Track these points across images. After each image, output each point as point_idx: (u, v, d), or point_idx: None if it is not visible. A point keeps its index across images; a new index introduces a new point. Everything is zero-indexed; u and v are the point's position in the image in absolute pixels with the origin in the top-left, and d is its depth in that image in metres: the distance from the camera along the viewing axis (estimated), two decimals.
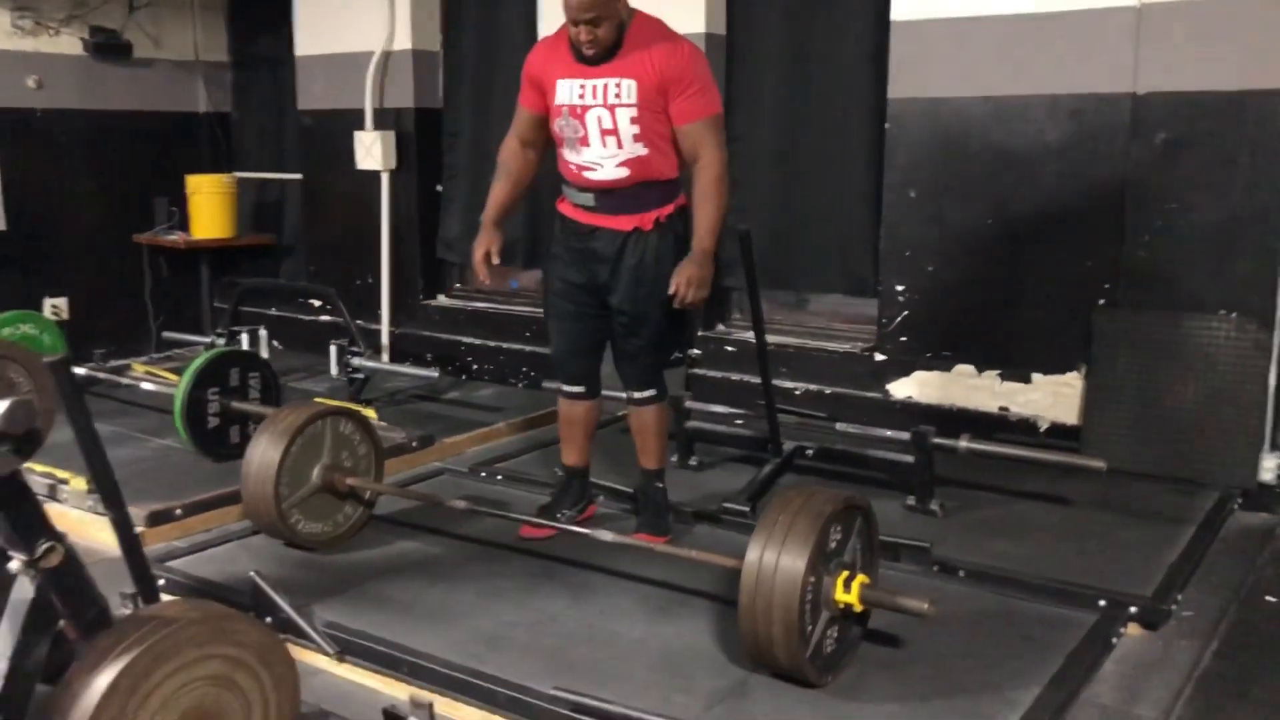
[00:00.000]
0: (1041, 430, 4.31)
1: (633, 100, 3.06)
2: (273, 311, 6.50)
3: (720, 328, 5.21)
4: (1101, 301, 4.16)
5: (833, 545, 2.55)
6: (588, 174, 3.20)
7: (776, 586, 2.43)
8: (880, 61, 4.55)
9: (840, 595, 2.52)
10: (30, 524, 1.81)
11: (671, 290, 3.07)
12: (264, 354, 5.57)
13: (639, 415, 3.44)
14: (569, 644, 2.79)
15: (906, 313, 4.59)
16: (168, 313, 6.49)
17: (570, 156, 3.22)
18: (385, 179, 5.91)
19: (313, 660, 2.79)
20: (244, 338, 5.56)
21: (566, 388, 3.49)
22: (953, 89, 4.36)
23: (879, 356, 4.70)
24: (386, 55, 5.84)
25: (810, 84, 4.86)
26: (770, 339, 4.92)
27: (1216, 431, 3.88)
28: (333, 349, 5.31)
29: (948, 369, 4.53)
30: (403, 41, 5.81)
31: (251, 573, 2.97)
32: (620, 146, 3.12)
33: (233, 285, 5.93)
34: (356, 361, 5.15)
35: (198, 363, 4.24)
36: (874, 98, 4.63)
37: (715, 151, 3.13)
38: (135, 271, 6.38)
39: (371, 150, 5.88)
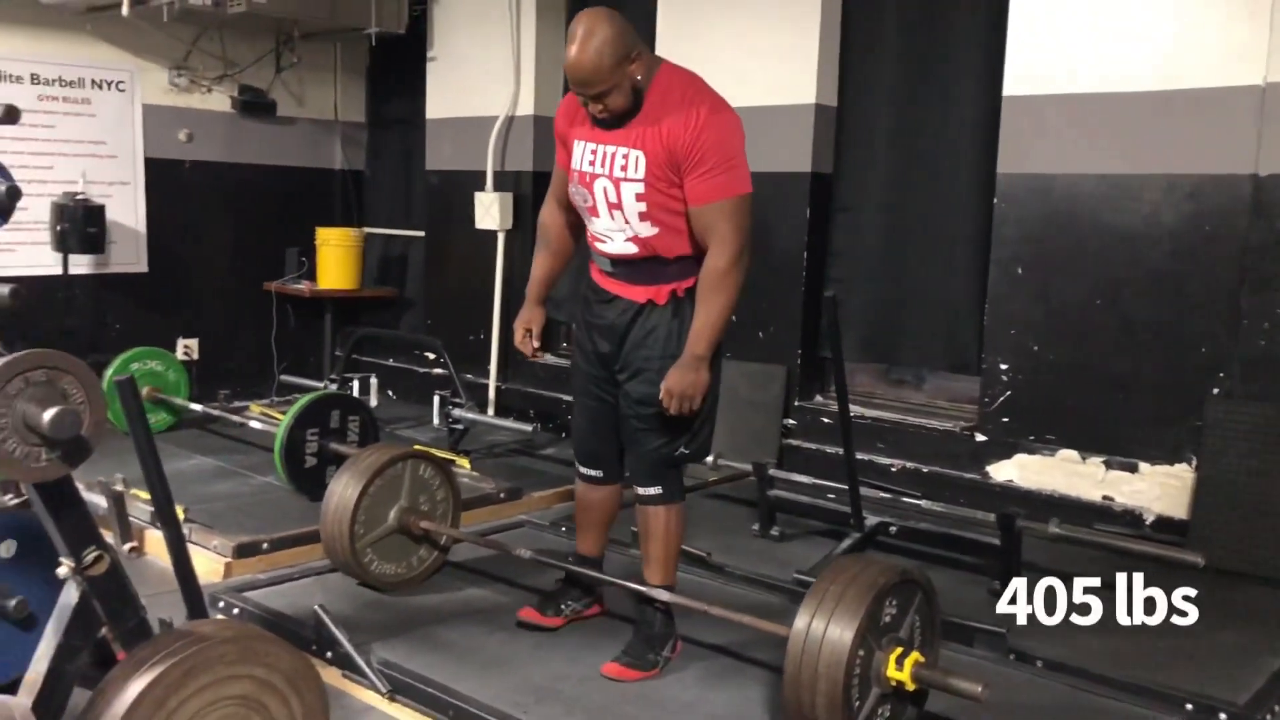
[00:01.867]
0: (1147, 523, 4.09)
1: (639, 175, 2.74)
2: (389, 362, 6.72)
3: (818, 399, 5.14)
4: (1215, 391, 3.95)
5: (887, 619, 2.46)
6: (599, 244, 2.93)
7: (823, 656, 2.35)
8: (991, 136, 4.48)
9: (892, 672, 2.43)
10: (79, 531, 1.90)
11: (661, 396, 2.78)
12: (372, 400, 5.75)
13: (642, 515, 3.03)
14: (616, 702, 2.76)
15: (1010, 393, 4.44)
16: (291, 358, 6.75)
17: (587, 223, 2.95)
18: (501, 238, 6.08)
19: (365, 697, 2.82)
20: (355, 384, 5.74)
21: (583, 469, 3.15)
22: (1065, 166, 4.25)
23: (980, 437, 4.55)
24: (510, 120, 6.04)
25: (919, 156, 4.82)
26: (869, 413, 4.88)
27: None
28: (436, 399, 5.44)
29: (1051, 453, 4.36)
30: (525, 107, 6.01)
31: (316, 606, 3.03)
32: (626, 223, 2.81)
33: (351, 334, 6.15)
34: (457, 413, 5.25)
35: (300, 404, 4.40)
36: (983, 172, 4.55)
37: (727, 242, 2.73)
38: (263, 317, 6.67)
39: (490, 210, 6.06)
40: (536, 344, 3.09)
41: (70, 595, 1.95)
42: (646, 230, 2.81)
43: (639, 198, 2.76)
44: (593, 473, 3.15)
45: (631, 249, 2.85)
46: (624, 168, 2.76)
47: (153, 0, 5.33)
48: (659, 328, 2.87)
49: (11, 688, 2.05)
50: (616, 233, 2.85)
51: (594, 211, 2.87)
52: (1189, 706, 2.77)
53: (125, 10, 5.26)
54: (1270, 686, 2.91)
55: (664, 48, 5.38)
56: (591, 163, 2.83)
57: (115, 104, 6.02)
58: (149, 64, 6.10)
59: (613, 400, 3.02)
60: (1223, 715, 2.73)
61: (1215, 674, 2.98)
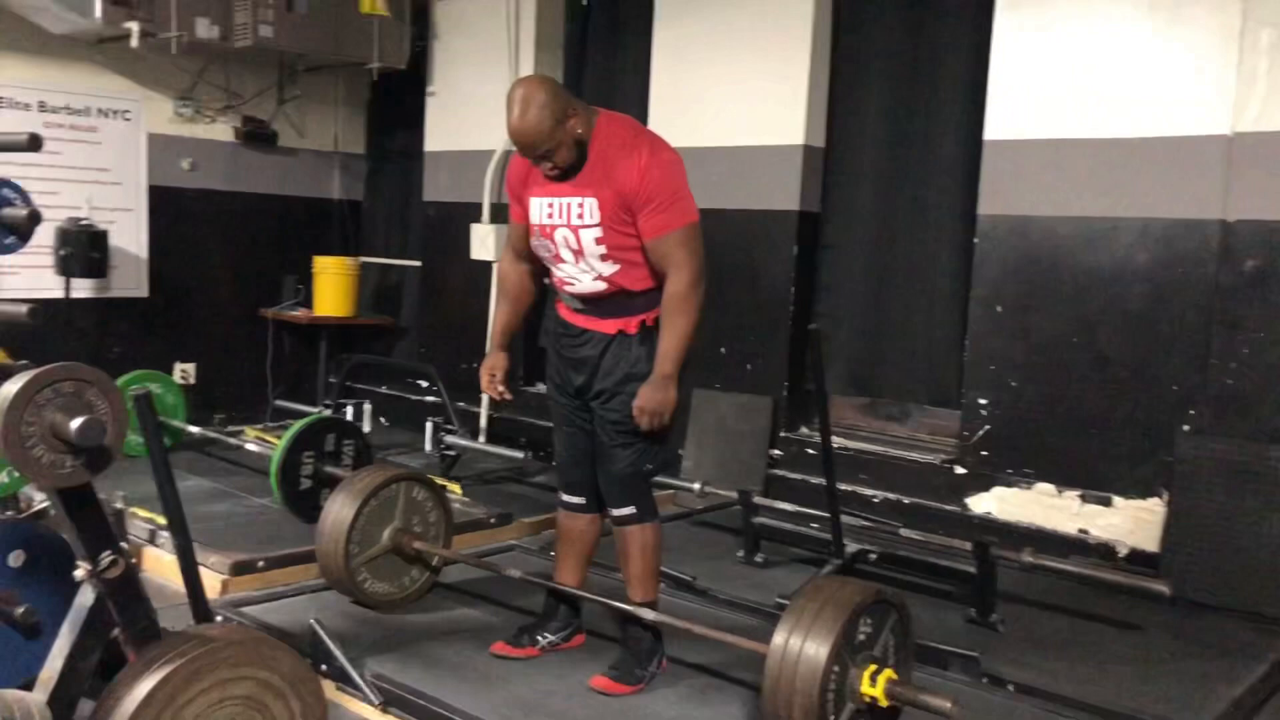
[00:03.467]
0: (1120, 555, 4.20)
1: (595, 220, 2.92)
2: (382, 389, 6.83)
3: (803, 430, 5.26)
4: (1186, 428, 4.08)
5: (862, 637, 2.56)
6: (567, 287, 3.11)
7: (799, 672, 2.45)
8: (972, 178, 4.65)
9: (866, 688, 2.53)
10: (97, 535, 2.01)
11: (634, 413, 2.95)
12: (366, 426, 5.85)
13: (619, 537, 3.16)
14: (601, 716, 2.86)
15: (989, 427, 4.57)
16: (286, 384, 6.85)
17: (552, 269, 3.13)
18: (496, 269, 6.21)
19: (358, 709, 2.92)
20: (349, 410, 5.84)
21: (565, 497, 3.28)
22: (1043, 208, 4.41)
23: (959, 470, 4.67)
24: (506, 154, 6.18)
25: (904, 197, 4.98)
26: (852, 444, 5.01)
27: None
28: (429, 426, 5.54)
29: (1028, 487, 4.48)
30: None
31: (312, 620, 3.13)
32: (591, 266, 2.99)
33: (346, 360, 6.27)
34: (450, 439, 5.36)
35: (296, 427, 4.50)
36: (965, 213, 4.71)
37: (683, 268, 2.91)
38: (260, 343, 6.77)
39: (485, 241, 6.19)
40: (502, 388, 3.25)
41: (86, 596, 2.05)
42: (609, 269, 2.99)
43: (598, 241, 2.95)
44: (576, 500, 3.27)
45: (600, 287, 3.03)
46: (580, 215, 2.95)
47: (161, 33, 5.47)
48: (631, 353, 3.03)
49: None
50: (584, 274, 3.03)
51: (558, 259, 3.05)
52: None
53: (135, 42, 5.40)
54: (1231, 711, 3.02)
55: (659, 91, 5.57)
56: (550, 215, 3.01)
57: (121, 132, 6.16)
58: (155, 94, 6.25)
59: (592, 428, 3.16)
60: None
61: (1178, 699, 3.09)
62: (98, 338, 6.09)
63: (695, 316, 2.95)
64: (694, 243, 2.95)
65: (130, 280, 6.24)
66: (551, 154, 2.88)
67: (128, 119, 6.18)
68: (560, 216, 2.98)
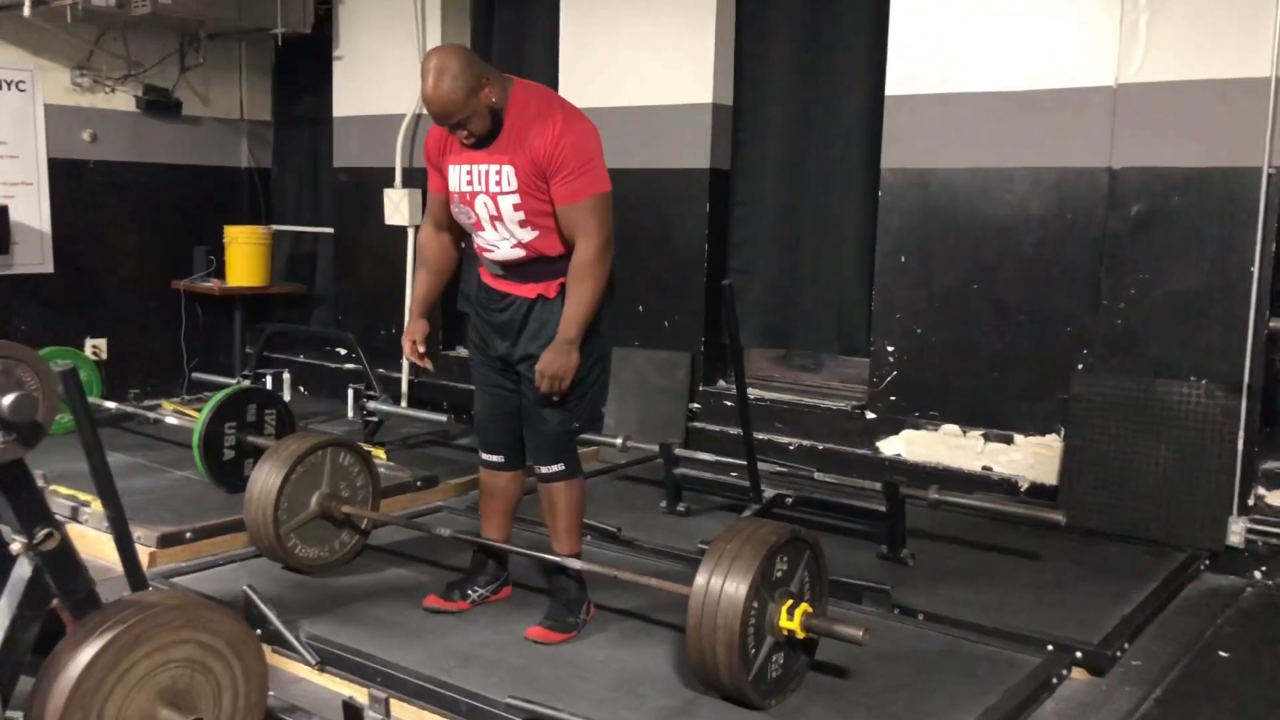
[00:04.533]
0: (1022, 490, 4.43)
1: (513, 187, 2.99)
2: (300, 358, 6.81)
3: (720, 384, 5.40)
4: (1080, 367, 4.31)
5: (778, 575, 2.71)
6: (486, 254, 3.18)
7: (720, 610, 2.59)
8: (874, 133, 4.79)
9: (784, 622, 2.68)
10: (31, 510, 2.04)
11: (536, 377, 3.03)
12: (286, 395, 5.85)
13: (546, 493, 3.25)
14: (533, 663, 2.96)
15: (896, 373, 4.76)
16: (202, 356, 6.79)
17: (473, 236, 3.20)
18: (411, 234, 6.21)
19: (295, 670, 2.99)
20: (268, 379, 5.83)
21: (485, 456, 3.35)
22: (941, 160, 4.58)
23: (870, 415, 4.86)
24: (417, 117, 6.17)
25: (810, 152, 5.11)
26: (768, 395, 5.17)
27: (1186, 494, 3.99)
28: (350, 393, 5.56)
29: (935, 429, 4.69)
30: None
31: (245, 587, 3.19)
32: (509, 232, 3.06)
33: (263, 331, 6.23)
34: (372, 405, 5.39)
35: (217, 398, 4.50)
36: (868, 167, 4.86)
37: (591, 236, 2.99)
38: (172, 316, 6.70)
39: (400, 207, 6.19)
40: (423, 350, 3.32)
41: (24, 569, 2.09)
42: (528, 235, 3.05)
43: (516, 207, 3.01)
44: (495, 459, 3.34)
45: (519, 254, 3.10)
46: (498, 182, 3.01)
47: (55, 1, 5.34)
48: (551, 319, 3.09)
49: None
50: (502, 241, 3.10)
51: (479, 226, 3.11)
52: (1050, 647, 3.08)
53: (27, 11, 5.28)
54: (1120, 629, 3.24)
55: (567, 52, 5.60)
56: (469, 182, 3.07)
57: (15, 104, 6.01)
58: (50, 64, 6.10)
59: (512, 389, 3.24)
60: (1078, 653, 3.05)
61: (1074, 619, 3.31)
62: (3, 316, 5.98)
63: (601, 284, 3.02)
64: (604, 213, 3.02)
65: (33, 256, 6.12)
66: (466, 122, 2.93)
67: (22, 90, 6.03)
68: (480, 183, 3.04)
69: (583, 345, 3.05)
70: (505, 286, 3.19)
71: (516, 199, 3.00)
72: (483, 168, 3.03)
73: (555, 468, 3.21)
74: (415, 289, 3.44)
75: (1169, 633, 3.37)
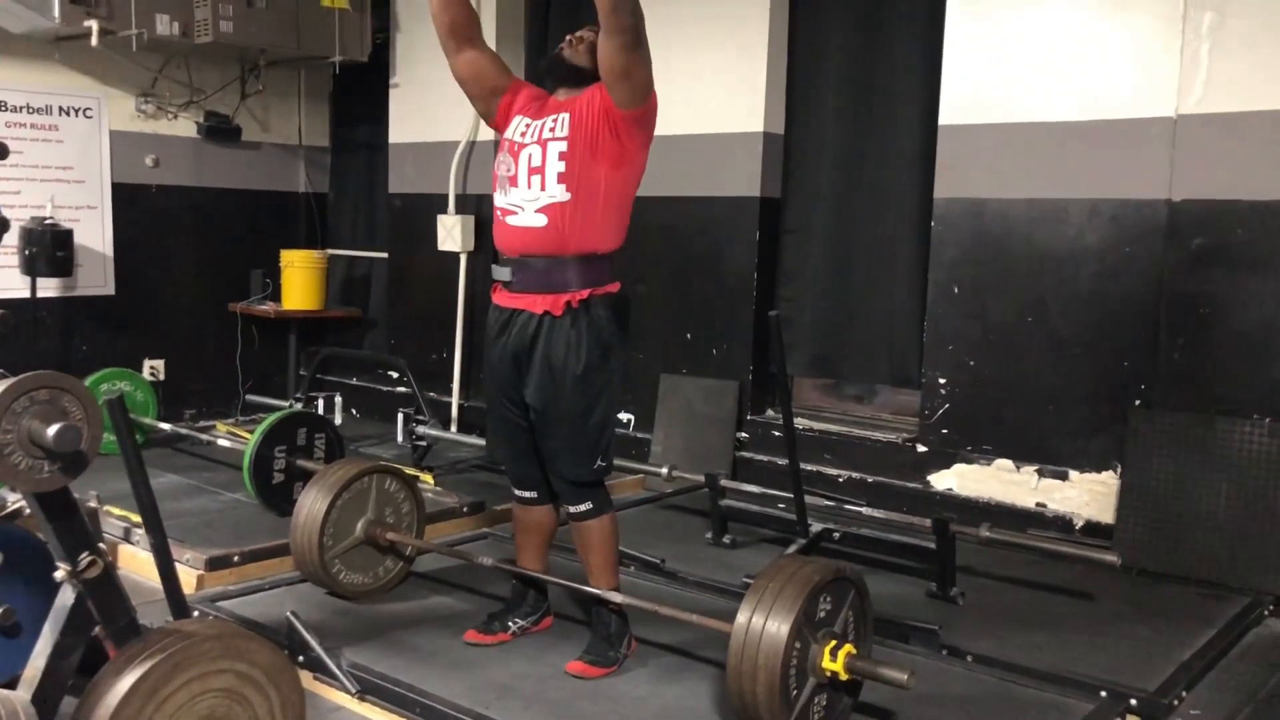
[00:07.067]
0: (1077, 528, 4.33)
1: (564, 134, 3.00)
2: (353, 381, 6.88)
3: (769, 413, 5.36)
4: (1137, 402, 4.21)
5: (822, 614, 2.66)
6: (509, 219, 3.08)
7: (762, 650, 2.55)
8: (928, 162, 4.74)
9: (827, 663, 2.62)
10: (75, 537, 2.07)
11: None
12: (337, 418, 5.91)
13: (578, 531, 3.20)
14: (573, 698, 2.94)
15: (948, 406, 4.69)
16: (256, 378, 6.88)
17: (499, 201, 3.12)
18: (463, 260, 6.26)
19: (336, 698, 2.99)
20: (320, 403, 5.89)
21: (517, 492, 3.32)
22: (996, 191, 4.51)
23: (920, 448, 4.79)
24: (471, 145, 6.23)
25: (862, 181, 5.07)
26: (816, 425, 5.12)
27: (1249, 536, 3.87)
28: (400, 417, 5.60)
29: (988, 463, 4.60)
30: (486, 132, 6.18)
31: (288, 613, 3.20)
32: (544, 188, 3.00)
33: (316, 354, 6.30)
34: (421, 429, 5.41)
35: (268, 422, 4.55)
36: (921, 196, 4.81)
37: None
38: (229, 338, 6.80)
39: (452, 232, 6.24)
40: None
41: (67, 597, 2.11)
42: (561, 194, 2.99)
43: (561, 155, 3.00)
44: (528, 494, 3.31)
45: (540, 221, 3.01)
46: (552, 129, 3.04)
47: (121, 31, 5.47)
48: (560, 339, 3.04)
49: None
50: (529, 202, 3.03)
51: (514, 181, 3.07)
52: (1103, 694, 2.99)
53: (94, 40, 5.40)
54: (1178, 675, 3.14)
55: None
56: (524, 134, 3.10)
57: (83, 130, 6.15)
58: (116, 91, 6.24)
59: (529, 423, 3.18)
60: (1133, 701, 2.96)
61: (1129, 665, 3.21)
62: (65, 337, 6.11)
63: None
64: (646, 65, 3.01)
65: (96, 278, 6.25)
66: (584, 39, 3.08)
67: (89, 117, 6.17)
68: (532, 136, 3.06)
69: (592, 379, 3.04)
70: (511, 301, 3.13)
71: (564, 146, 3.00)
72: (541, 121, 3.08)
73: (583, 507, 3.17)
74: None
75: (1230, 681, 3.25)
